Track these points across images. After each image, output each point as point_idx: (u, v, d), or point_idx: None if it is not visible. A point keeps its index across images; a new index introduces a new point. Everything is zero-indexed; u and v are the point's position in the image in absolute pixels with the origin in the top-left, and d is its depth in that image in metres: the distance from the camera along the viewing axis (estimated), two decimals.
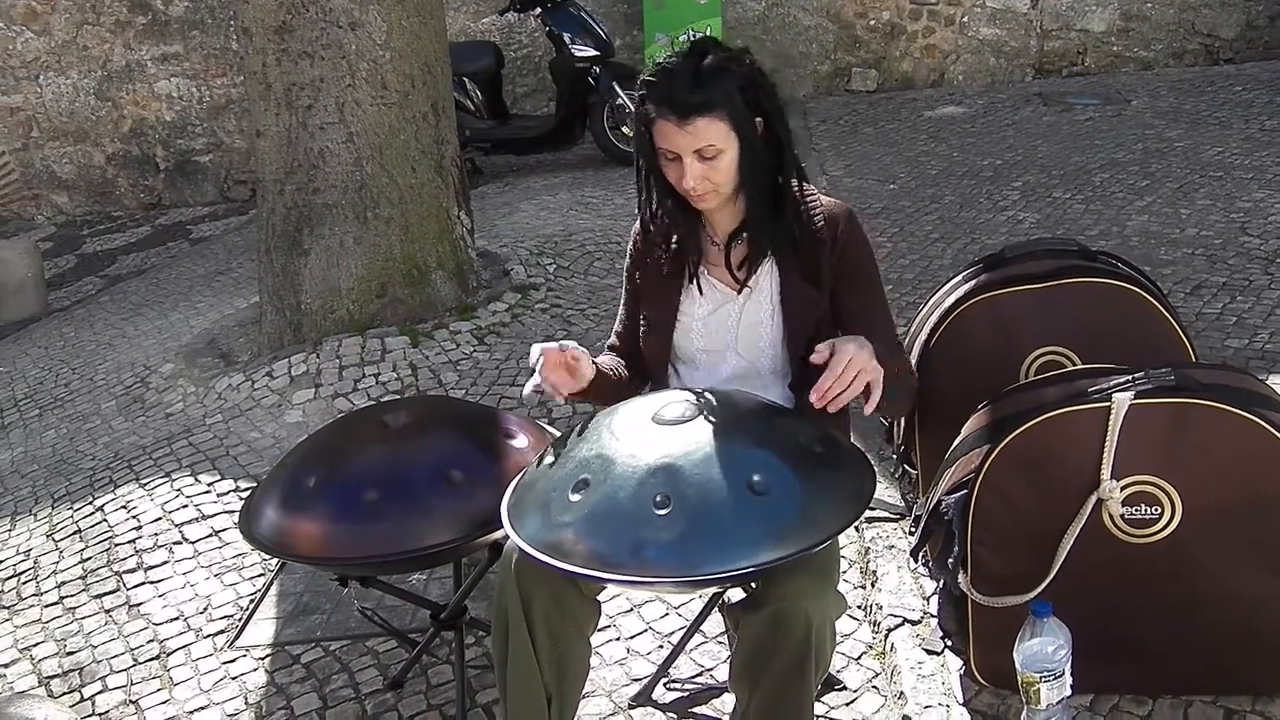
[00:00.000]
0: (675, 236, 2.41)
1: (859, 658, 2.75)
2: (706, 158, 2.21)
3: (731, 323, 2.40)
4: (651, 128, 2.23)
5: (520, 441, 2.52)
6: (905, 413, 2.73)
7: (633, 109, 7.36)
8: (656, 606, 3.04)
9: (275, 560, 3.36)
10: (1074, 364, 2.71)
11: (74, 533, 3.81)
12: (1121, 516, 2.27)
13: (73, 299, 7.28)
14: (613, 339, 2.61)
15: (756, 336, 2.39)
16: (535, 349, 2.25)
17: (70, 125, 8.97)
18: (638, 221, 2.49)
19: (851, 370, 2.03)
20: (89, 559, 3.63)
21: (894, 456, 3.20)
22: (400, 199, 4.80)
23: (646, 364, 2.53)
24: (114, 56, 8.81)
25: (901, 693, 2.49)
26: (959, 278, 2.99)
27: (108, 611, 3.37)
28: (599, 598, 2.24)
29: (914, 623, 2.68)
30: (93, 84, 8.87)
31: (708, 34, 7.86)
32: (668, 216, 2.38)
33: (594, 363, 2.34)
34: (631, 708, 2.70)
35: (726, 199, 2.31)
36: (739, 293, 2.39)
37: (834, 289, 2.35)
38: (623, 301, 2.58)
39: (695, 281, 2.40)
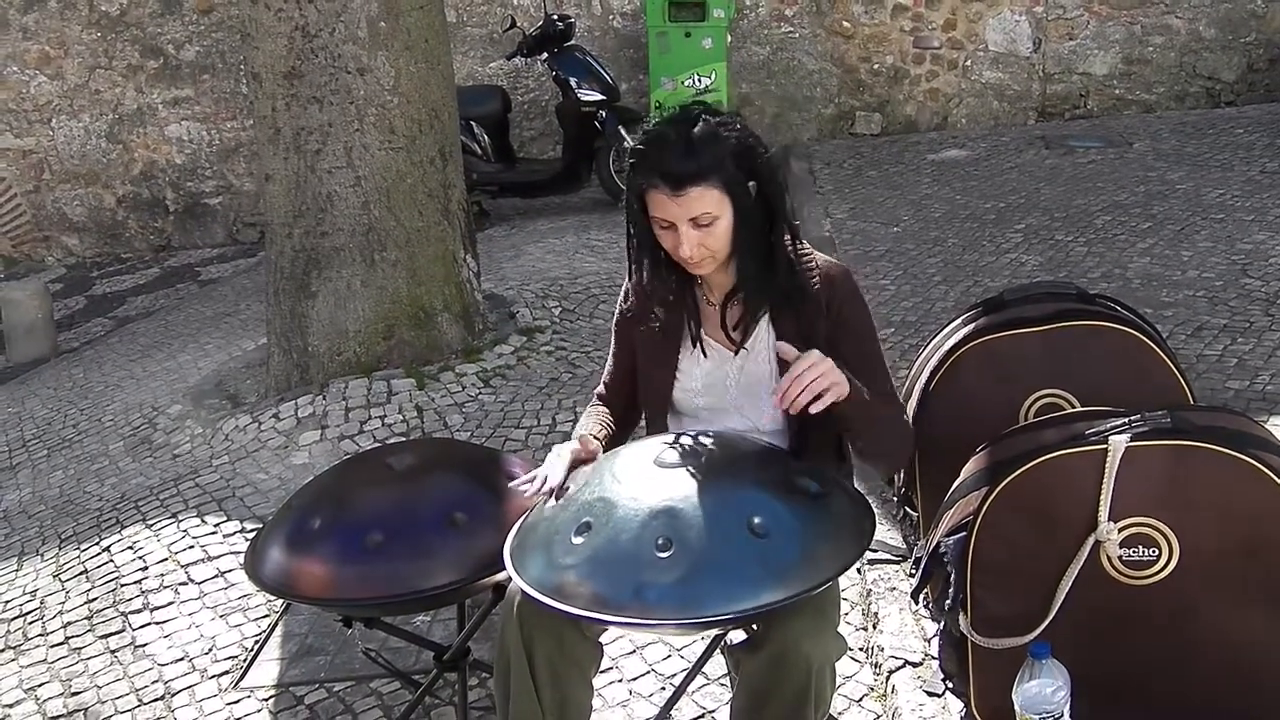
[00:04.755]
0: (671, 299, 2.40)
1: (860, 700, 2.76)
2: (702, 225, 2.20)
3: (731, 383, 2.41)
4: (645, 197, 2.23)
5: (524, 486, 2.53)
6: (902, 463, 2.74)
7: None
8: (659, 648, 3.05)
9: (280, 601, 3.38)
10: (1072, 406, 2.73)
11: (80, 573, 3.82)
12: (1119, 558, 2.29)
13: (82, 340, 7.33)
14: (601, 388, 2.61)
15: (756, 396, 2.39)
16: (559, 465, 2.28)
17: (81, 168, 9.06)
18: (628, 281, 2.49)
19: (812, 373, 2.10)
20: (95, 599, 3.65)
21: (895, 499, 3.22)
22: (407, 242, 4.85)
23: (637, 413, 2.56)
24: (125, 100, 8.91)
25: None
26: (958, 321, 3.02)
27: (113, 652, 3.38)
28: (601, 639, 2.25)
29: (915, 664, 2.69)
30: (104, 127, 8.97)
31: (712, 79, 7.98)
32: (662, 282, 2.37)
33: (596, 438, 2.39)
34: None
35: (722, 262, 2.31)
36: (735, 353, 2.40)
37: (830, 344, 2.33)
38: (611, 353, 2.58)
39: (699, 345, 2.40)
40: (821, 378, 2.10)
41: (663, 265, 2.34)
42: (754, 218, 2.26)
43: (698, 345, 2.40)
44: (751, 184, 2.24)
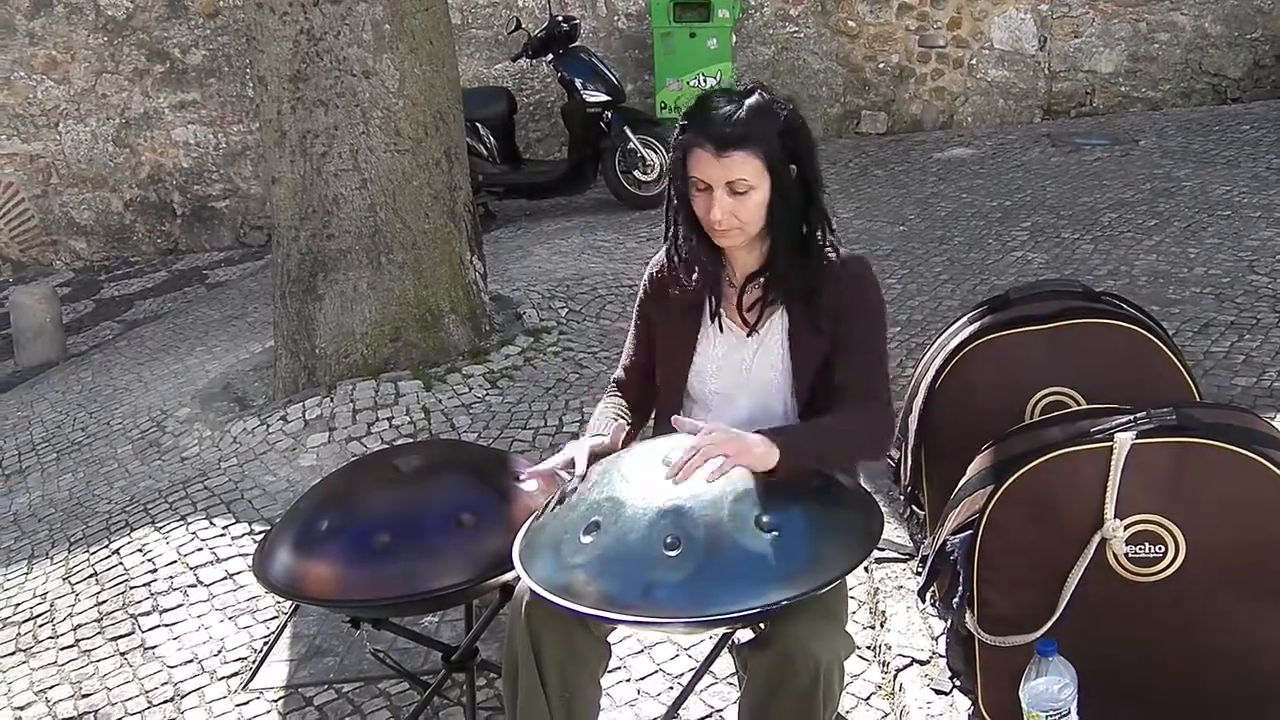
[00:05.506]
0: (696, 273, 2.40)
1: (868, 698, 2.76)
2: (737, 192, 2.22)
3: (745, 366, 2.41)
4: (688, 155, 2.25)
5: (530, 485, 2.55)
6: (882, 456, 2.70)
7: (643, 152, 7.47)
8: (666, 648, 3.05)
9: (289, 603, 3.38)
10: (1078, 404, 2.73)
11: (90, 576, 3.84)
12: (1125, 555, 2.29)
13: (90, 344, 7.34)
14: (620, 373, 2.61)
15: (767, 381, 2.40)
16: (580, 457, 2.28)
17: (89, 172, 9.08)
18: (655, 258, 2.51)
19: (706, 450, 2.10)
20: (104, 602, 3.66)
21: (902, 497, 3.22)
22: (413, 244, 4.86)
23: (653, 401, 2.55)
24: (132, 104, 8.93)
25: None
26: (963, 319, 3.02)
27: (123, 654, 3.39)
28: (609, 639, 2.26)
29: (923, 663, 2.69)
30: (111, 131, 8.99)
31: (719, 79, 7.98)
32: (690, 252, 2.38)
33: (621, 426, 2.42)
34: None
35: (750, 240, 2.32)
36: (749, 336, 2.41)
37: (833, 326, 2.34)
38: (631, 337, 2.59)
39: (717, 321, 2.41)
40: (714, 451, 2.10)
41: (695, 234, 2.35)
42: (792, 199, 2.28)
43: (716, 320, 2.41)
44: (793, 167, 2.26)
